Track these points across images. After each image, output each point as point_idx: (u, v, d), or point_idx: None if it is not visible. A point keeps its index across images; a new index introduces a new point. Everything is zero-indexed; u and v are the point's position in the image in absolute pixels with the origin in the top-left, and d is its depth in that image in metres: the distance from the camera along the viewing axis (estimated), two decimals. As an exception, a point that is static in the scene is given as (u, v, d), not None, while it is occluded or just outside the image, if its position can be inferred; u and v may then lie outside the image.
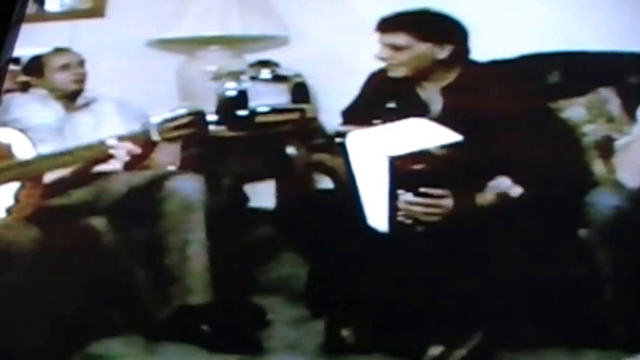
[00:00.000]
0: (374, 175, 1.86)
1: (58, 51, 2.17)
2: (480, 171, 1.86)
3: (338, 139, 1.95)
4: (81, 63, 2.15)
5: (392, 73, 2.00)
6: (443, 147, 1.84)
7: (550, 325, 1.74)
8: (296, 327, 1.87)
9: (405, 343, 1.78)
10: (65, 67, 2.15)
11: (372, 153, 1.88)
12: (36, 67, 2.16)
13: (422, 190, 1.83)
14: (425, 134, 1.89)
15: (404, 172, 1.82)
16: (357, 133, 1.93)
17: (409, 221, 1.84)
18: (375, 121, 1.95)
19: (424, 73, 1.98)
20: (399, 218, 1.83)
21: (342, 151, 1.92)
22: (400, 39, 1.97)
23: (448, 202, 1.83)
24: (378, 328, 1.81)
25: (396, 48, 1.97)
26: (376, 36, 2.00)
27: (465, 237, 1.81)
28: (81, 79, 2.15)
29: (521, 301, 1.75)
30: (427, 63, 1.97)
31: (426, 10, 1.98)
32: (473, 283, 1.76)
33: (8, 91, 2.13)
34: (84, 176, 2.00)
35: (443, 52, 1.97)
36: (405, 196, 1.83)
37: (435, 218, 1.83)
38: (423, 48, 1.97)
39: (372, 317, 1.82)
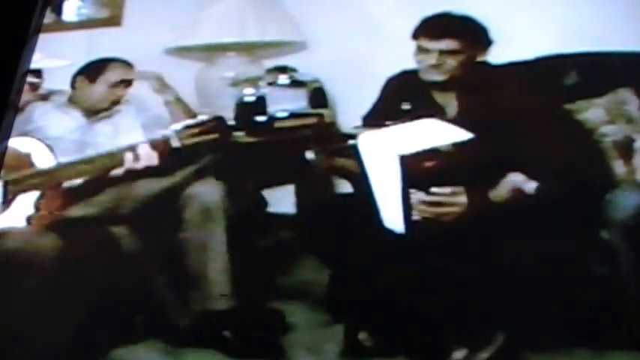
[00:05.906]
0: (387, 175, 1.86)
1: (118, 62, 2.17)
2: (493, 167, 1.85)
3: (350, 141, 1.95)
4: (129, 82, 2.15)
5: (430, 77, 1.99)
6: (454, 144, 1.84)
7: (574, 326, 1.73)
8: (317, 331, 1.86)
9: (428, 347, 1.77)
10: (116, 84, 2.14)
11: (383, 153, 1.88)
12: (93, 71, 2.16)
13: (434, 189, 1.82)
14: (436, 133, 1.89)
15: (415, 170, 1.82)
16: (367, 134, 1.93)
17: (424, 219, 1.83)
18: (388, 123, 1.96)
19: (463, 78, 1.98)
20: (414, 217, 1.83)
21: (354, 152, 1.92)
22: (453, 44, 1.97)
23: (462, 199, 1.83)
24: (401, 331, 1.80)
25: (448, 52, 1.97)
26: (424, 41, 1.99)
27: (486, 238, 1.80)
28: (118, 101, 2.15)
29: (544, 303, 1.73)
30: (471, 67, 1.98)
31: (467, 15, 1.99)
32: (495, 284, 1.75)
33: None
34: (102, 183, 2.01)
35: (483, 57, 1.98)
36: (418, 195, 1.82)
37: (450, 217, 1.82)
38: (471, 53, 1.98)
39: (394, 321, 1.81)
